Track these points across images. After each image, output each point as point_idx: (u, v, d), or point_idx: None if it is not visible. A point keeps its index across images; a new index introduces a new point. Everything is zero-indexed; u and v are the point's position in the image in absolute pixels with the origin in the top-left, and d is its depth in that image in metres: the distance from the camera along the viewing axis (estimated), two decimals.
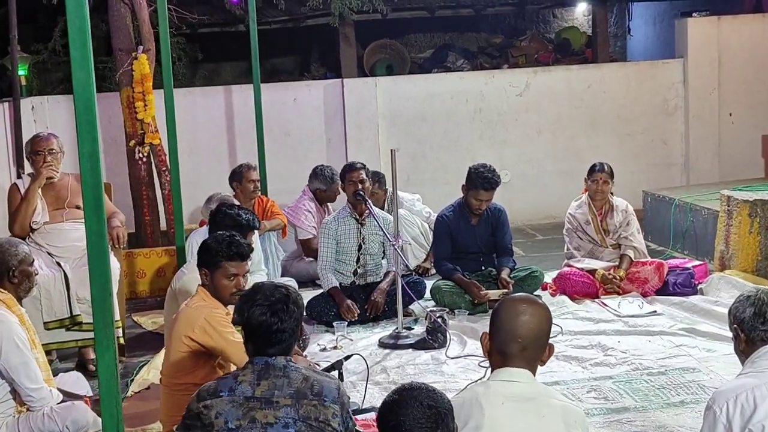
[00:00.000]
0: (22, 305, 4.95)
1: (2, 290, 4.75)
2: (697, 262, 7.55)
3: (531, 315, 3.14)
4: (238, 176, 7.82)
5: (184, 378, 4.44)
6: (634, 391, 5.24)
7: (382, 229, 6.65)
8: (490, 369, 3.22)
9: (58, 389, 4.87)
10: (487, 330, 3.24)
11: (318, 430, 3.25)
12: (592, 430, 4.66)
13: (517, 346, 3.11)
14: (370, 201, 6.91)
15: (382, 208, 8.15)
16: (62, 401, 4.77)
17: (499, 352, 3.14)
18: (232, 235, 4.53)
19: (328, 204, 8.44)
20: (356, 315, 6.67)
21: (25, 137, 7.15)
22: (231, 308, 4.46)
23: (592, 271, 7.12)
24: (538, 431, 3.01)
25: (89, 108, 2.92)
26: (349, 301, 6.68)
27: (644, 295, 7.00)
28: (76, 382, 5.21)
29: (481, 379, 5.31)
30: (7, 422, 4.65)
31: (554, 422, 3.04)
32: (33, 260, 4.95)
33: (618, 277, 7.03)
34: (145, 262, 8.01)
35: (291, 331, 3.40)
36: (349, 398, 3.44)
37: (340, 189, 8.29)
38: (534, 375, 3.16)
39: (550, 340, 5.95)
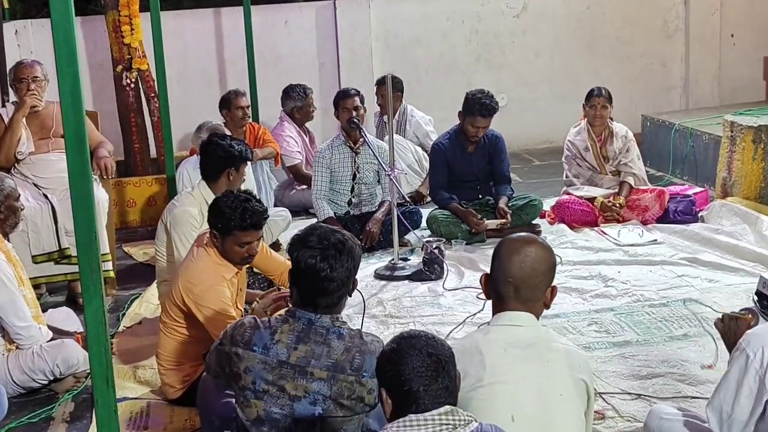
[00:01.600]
0: (8, 240, 4.83)
1: None
2: (698, 189, 7.44)
3: (524, 254, 2.98)
4: (226, 103, 7.61)
5: (181, 328, 4.33)
6: (635, 323, 5.15)
7: (377, 159, 6.49)
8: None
9: (48, 326, 4.78)
10: (487, 269, 3.11)
11: (348, 409, 3.10)
12: (594, 364, 4.61)
13: (509, 287, 2.97)
14: (364, 128, 6.74)
15: (393, 116, 8.02)
16: (52, 339, 4.69)
17: (496, 293, 3.02)
18: (246, 200, 4.24)
19: (308, 128, 8.27)
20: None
21: (9, 63, 6.92)
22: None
23: (592, 199, 7.00)
24: (542, 377, 2.90)
25: (69, 41, 2.74)
26: (346, 232, 6.54)
27: (644, 223, 6.89)
28: (66, 318, 5.12)
29: (479, 312, 5.23)
30: None
31: (558, 367, 2.94)
32: (19, 195, 4.83)
33: (618, 205, 6.91)
34: (135, 191, 7.85)
35: (340, 282, 3.13)
36: None
37: (314, 104, 8.16)
38: (537, 318, 3.04)
39: None
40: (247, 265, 4.54)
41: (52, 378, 4.62)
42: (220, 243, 4.28)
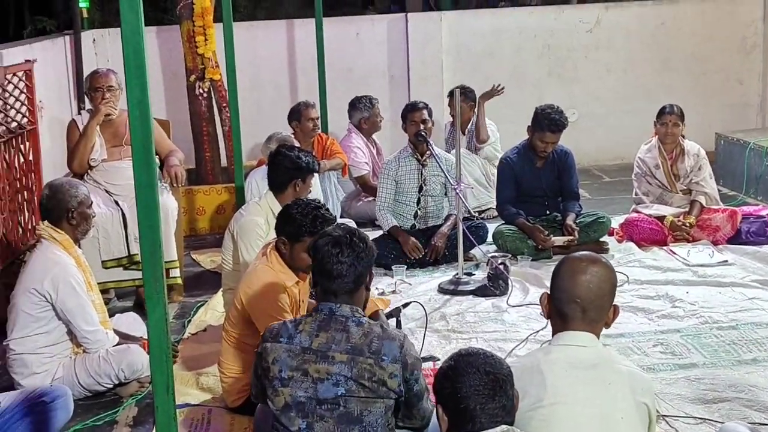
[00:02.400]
0: (79, 246, 4.92)
1: (60, 231, 4.74)
2: None
3: (591, 274, 2.96)
4: (296, 115, 7.69)
5: (243, 337, 4.37)
6: (702, 346, 5.04)
7: (444, 172, 6.47)
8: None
9: (115, 331, 4.86)
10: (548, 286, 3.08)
11: (371, 391, 3.15)
12: (658, 386, 4.53)
13: (575, 307, 2.94)
14: (432, 141, 6.73)
15: (466, 126, 8.09)
16: (118, 343, 4.76)
17: (559, 313, 2.99)
18: (317, 207, 4.30)
19: (375, 139, 8.30)
20: (422, 253, 6.57)
21: (86, 71, 7.08)
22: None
23: (661, 218, 6.89)
24: (603, 400, 2.86)
25: (139, 53, 2.79)
26: (413, 239, 6.57)
27: (715, 243, 6.75)
28: (132, 323, 5.19)
29: (543, 329, 5.18)
30: (64, 363, 4.68)
31: (621, 390, 2.89)
32: (92, 202, 4.92)
33: (688, 224, 6.79)
34: (205, 200, 7.95)
35: (351, 266, 3.26)
36: (417, 357, 3.29)
37: (380, 113, 8.18)
38: (598, 338, 3.00)
39: (617, 290, 5.82)
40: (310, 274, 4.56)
41: (117, 382, 4.69)
42: (288, 250, 4.32)
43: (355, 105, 8.24)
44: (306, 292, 4.55)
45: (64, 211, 4.76)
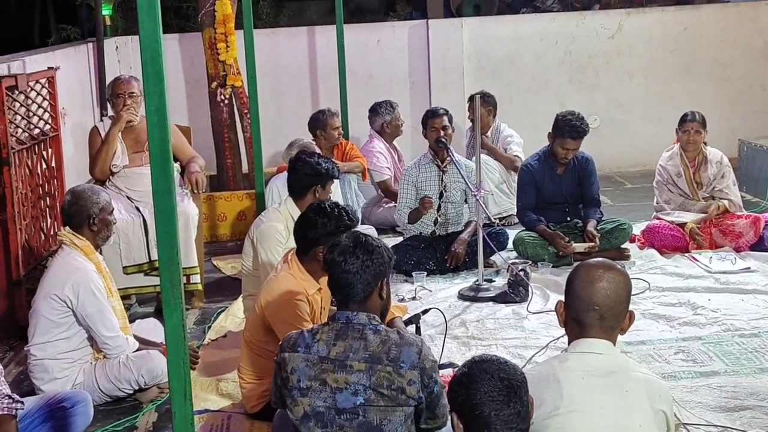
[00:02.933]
0: (101, 253, 4.95)
1: (81, 237, 4.77)
2: None
3: (608, 281, 2.94)
4: (321, 123, 7.71)
5: (263, 343, 4.38)
6: (724, 353, 5.01)
7: (463, 178, 6.46)
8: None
9: (135, 336, 4.89)
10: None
11: (390, 399, 3.13)
12: (679, 394, 4.50)
13: (594, 314, 2.93)
14: (452, 148, 6.73)
15: (485, 133, 8.07)
16: (138, 349, 4.79)
17: (576, 321, 2.97)
18: (335, 206, 4.40)
19: (396, 145, 8.31)
20: (432, 205, 6.61)
21: (109, 78, 7.12)
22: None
23: (683, 224, 6.85)
24: (620, 408, 2.85)
25: (156, 60, 2.81)
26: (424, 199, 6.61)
27: (738, 250, 6.71)
28: (152, 329, 5.21)
29: (563, 336, 5.14)
30: (84, 368, 4.70)
31: (638, 398, 2.87)
32: (113, 209, 4.95)
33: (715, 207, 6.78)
34: (226, 206, 7.98)
35: (356, 275, 3.26)
36: (435, 361, 3.28)
37: (401, 117, 8.20)
38: (614, 344, 2.99)
39: (638, 298, 5.79)
40: None
41: (137, 387, 4.71)
42: (310, 258, 4.35)
43: (376, 110, 8.27)
44: (327, 300, 4.55)
45: (85, 218, 4.79)
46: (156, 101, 2.81)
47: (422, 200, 6.59)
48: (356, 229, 6.92)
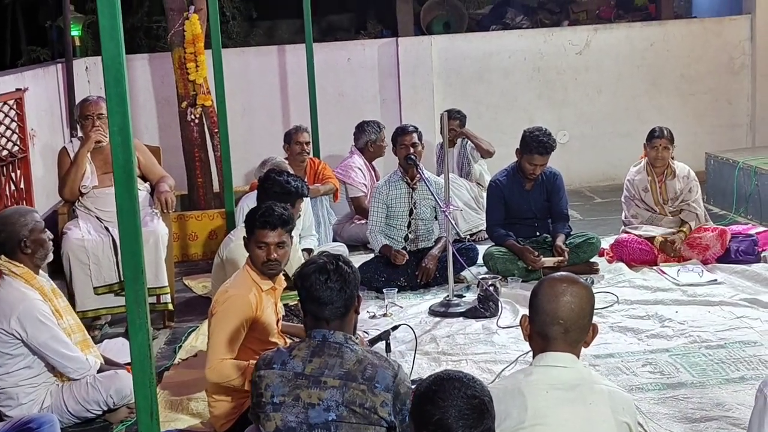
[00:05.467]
0: (38, 273, 4.80)
1: (18, 264, 4.66)
2: (762, 229, 7.31)
3: (572, 295, 2.98)
4: (287, 138, 7.78)
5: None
6: (691, 365, 5.06)
7: (433, 195, 6.51)
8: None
9: (104, 357, 4.87)
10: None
11: (362, 417, 3.14)
12: (647, 405, 4.55)
13: (558, 328, 2.96)
14: (421, 165, 6.77)
15: (453, 143, 8.14)
16: (104, 369, 4.76)
17: (540, 335, 3.00)
18: (272, 204, 4.45)
19: (374, 165, 8.35)
20: (405, 258, 6.60)
21: (78, 98, 7.12)
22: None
23: (651, 238, 6.92)
24: (584, 420, 2.88)
25: (119, 81, 2.83)
26: (398, 249, 6.62)
27: (705, 262, 6.78)
28: (120, 349, 5.20)
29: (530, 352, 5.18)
30: (51, 390, 4.67)
31: (601, 410, 2.90)
32: (44, 227, 4.79)
33: (678, 240, 6.81)
34: (197, 225, 7.97)
35: (340, 291, 3.29)
36: (411, 387, 3.26)
37: (386, 139, 8.25)
38: (578, 358, 3.02)
39: (606, 311, 5.84)
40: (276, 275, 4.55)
41: (105, 408, 4.69)
42: (248, 248, 4.43)
43: (362, 128, 8.32)
44: (280, 309, 4.58)
45: (16, 243, 4.65)
46: (119, 121, 2.83)
47: (395, 253, 6.62)
48: (327, 245, 6.99)
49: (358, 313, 3.44)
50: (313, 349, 3.26)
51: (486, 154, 8.22)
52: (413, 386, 4.44)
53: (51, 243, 4.87)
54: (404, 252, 6.63)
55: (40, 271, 4.82)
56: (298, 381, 3.21)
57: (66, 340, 4.62)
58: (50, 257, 4.92)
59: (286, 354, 3.28)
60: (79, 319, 4.92)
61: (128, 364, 4.84)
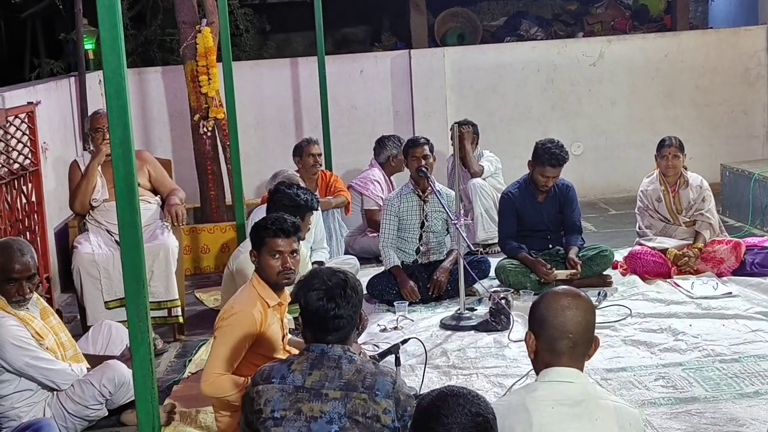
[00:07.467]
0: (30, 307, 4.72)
1: None
2: None
3: (577, 308, 2.95)
4: (298, 151, 7.76)
5: (233, 373, 4.35)
6: (704, 379, 5.00)
7: (444, 208, 6.47)
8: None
9: (85, 355, 4.85)
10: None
11: (365, 427, 3.14)
12: (659, 420, 4.50)
13: (567, 342, 2.92)
14: (433, 177, 6.74)
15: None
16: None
17: (548, 350, 2.95)
18: (281, 213, 4.44)
19: (392, 180, 8.32)
20: (418, 297, 6.53)
21: (91, 112, 7.13)
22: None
23: (664, 250, 6.85)
24: None
25: (120, 93, 2.81)
26: (411, 283, 6.53)
27: (719, 275, 6.70)
28: (113, 334, 5.18)
29: None
30: (49, 402, 4.65)
31: (608, 426, 2.86)
32: (16, 266, 4.58)
33: (692, 254, 6.75)
34: (210, 238, 7.96)
35: (348, 318, 3.32)
36: (409, 394, 3.28)
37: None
38: (582, 371, 2.98)
39: (619, 324, 5.79)
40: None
41: (103, 400, 4.63)
42: (258, 262, 4.38)
43: (383, 143, 8.32)
44: (287, 323, 4.55)
45: (2, 278, 4.53)
46: (120, 134, 2.82)
47: (409, 291, 6.55)
48: (338, 258, 6.95)
49: (358, 328, 3.44)
50: (312, 361, 3.26)
51: (474, 174, 8.11)
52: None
53: (30, 290, 4.66)
54: (417, 291, 6.54)
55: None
56: (299, 394, 3.20)
57: (46, 356, 4.57)
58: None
59: (285, 368, 3.28)
60: (69, 335, 4.89)
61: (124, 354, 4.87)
